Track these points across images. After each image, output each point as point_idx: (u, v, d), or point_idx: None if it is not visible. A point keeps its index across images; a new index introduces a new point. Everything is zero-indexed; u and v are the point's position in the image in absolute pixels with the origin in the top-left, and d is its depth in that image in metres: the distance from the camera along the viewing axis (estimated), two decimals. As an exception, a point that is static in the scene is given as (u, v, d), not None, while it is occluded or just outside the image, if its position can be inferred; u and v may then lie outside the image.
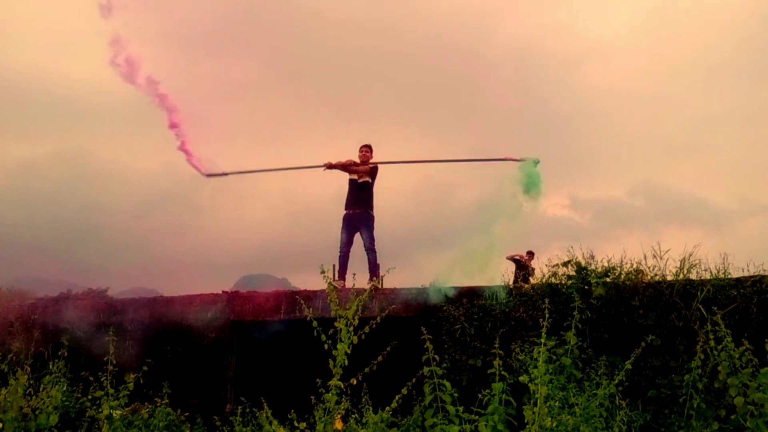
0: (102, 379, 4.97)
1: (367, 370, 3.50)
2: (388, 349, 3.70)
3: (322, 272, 3.68)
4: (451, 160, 8.96)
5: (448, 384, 3.89)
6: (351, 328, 3.22)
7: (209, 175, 7.93)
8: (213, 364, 7.69)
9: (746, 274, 6.70)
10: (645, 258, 6.96)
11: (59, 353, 6.93)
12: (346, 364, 3.29)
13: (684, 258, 6.83)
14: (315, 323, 3.33)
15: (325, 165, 8.32)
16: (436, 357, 3.89)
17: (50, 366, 6.91)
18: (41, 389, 6.54)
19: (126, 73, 7.08)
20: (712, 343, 5.18)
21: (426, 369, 3.84)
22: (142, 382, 5.49)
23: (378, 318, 3.35)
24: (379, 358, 3.52)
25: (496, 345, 4.98)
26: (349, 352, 3.26)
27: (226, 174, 8.07)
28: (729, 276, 6.65)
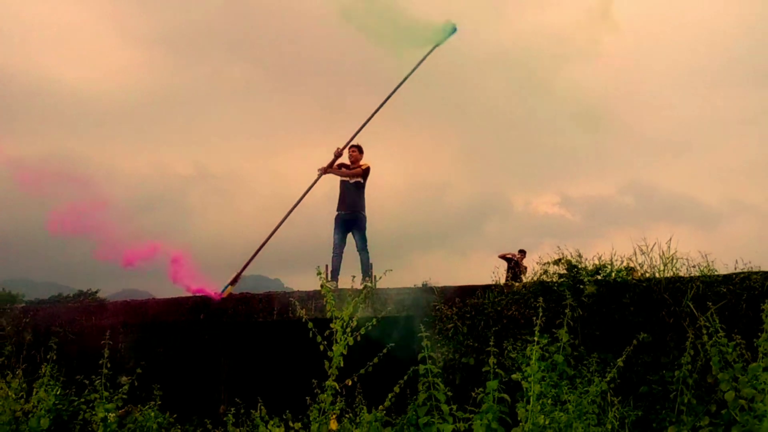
0: (96, 382, 4.96)
1: (362, 371, 3.52)
2: (385, 351, 3.71)
3: (319, 273, 3.69)
4: (391, 93, 8.39)
5: (441, 385, 3.92)
6: (349, 330, 3.23)
7: (223, 295, 7.46)
8: (206, 366, 7.67)
9: (734, 271, 6.77)
10: (635, 255, 7.02)
11: (48, 356, 6.90)
12: (342, 365, 3.31)
13: (671, 255, 6.90)
14: (311, 324, 3.34)
15: (319, 173, 8.23)
16: (433, 355, 3.91)
17: (42, 369, 6.87)
18: (33, 393, 6.50)
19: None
20: (705, 338, 5.24)
21: (422, 367, 3.86)
22: (136, 384, 5.49)
23: (374, 320, 3.36)
24: (375, 360, 3.53)
25: (491, 343, 5.02)
26: (345, 353, 3.27)
27: (239, 275, 7.58)
28: (717, 273, 6.72)
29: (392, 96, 8.33)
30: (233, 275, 7.42)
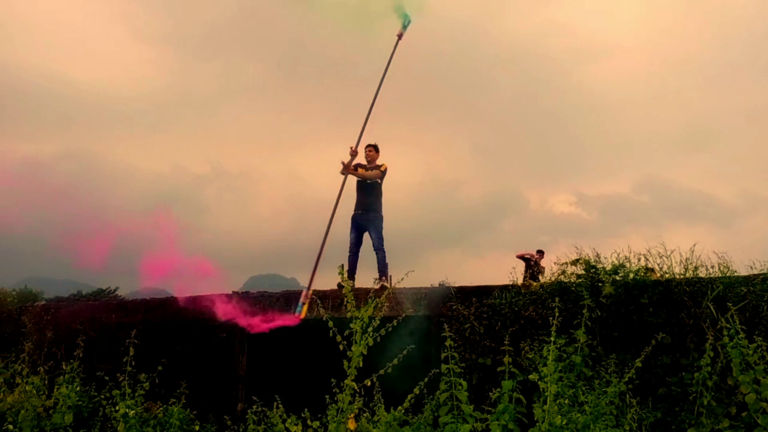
0: (121, 380, 5.03)
1: (382, 371, 3.53)
2: (405, 351, 3.73)
3: (340, 273, 3.72)
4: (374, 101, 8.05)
5: (464, 383, 3.92)
6: (370, 329, 3.24)
7: (300, 317, 7.17)
8: (224, 364, 7.74)
9: (754, 271, 6.69)
10: (652, 255, 6.96)
11: (74, 353, 7.00)
12: (361, 365, 3.32)
13: (690, 256, 6.85)
14: (331, 323, 3.36)
15: (344, 173, 8.01)
16: (455, 355, 3.91)
17: (63, 366, 6.98)
18: (55, 389, 6.61)
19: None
20: (725, 339, 5.19)
21: (444, 366, 3.87)
22: (157, 381, 5.54)
23: (395, 321, 3.38)
24: (395, 361, 3.54)
25: (506, 342, 5.01)
26: (365, 353, 3.29)
27: (308, 292, 7.12)
28: (737, 273, 6.65)
29: (380, 91, 8.26)
30: (303, 292, 7.12)
